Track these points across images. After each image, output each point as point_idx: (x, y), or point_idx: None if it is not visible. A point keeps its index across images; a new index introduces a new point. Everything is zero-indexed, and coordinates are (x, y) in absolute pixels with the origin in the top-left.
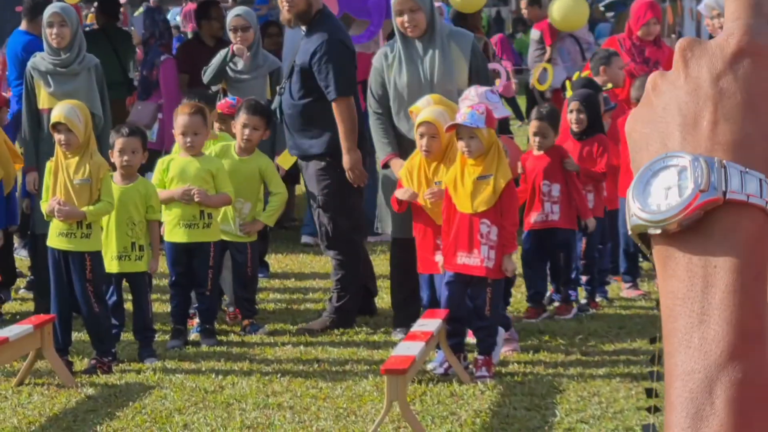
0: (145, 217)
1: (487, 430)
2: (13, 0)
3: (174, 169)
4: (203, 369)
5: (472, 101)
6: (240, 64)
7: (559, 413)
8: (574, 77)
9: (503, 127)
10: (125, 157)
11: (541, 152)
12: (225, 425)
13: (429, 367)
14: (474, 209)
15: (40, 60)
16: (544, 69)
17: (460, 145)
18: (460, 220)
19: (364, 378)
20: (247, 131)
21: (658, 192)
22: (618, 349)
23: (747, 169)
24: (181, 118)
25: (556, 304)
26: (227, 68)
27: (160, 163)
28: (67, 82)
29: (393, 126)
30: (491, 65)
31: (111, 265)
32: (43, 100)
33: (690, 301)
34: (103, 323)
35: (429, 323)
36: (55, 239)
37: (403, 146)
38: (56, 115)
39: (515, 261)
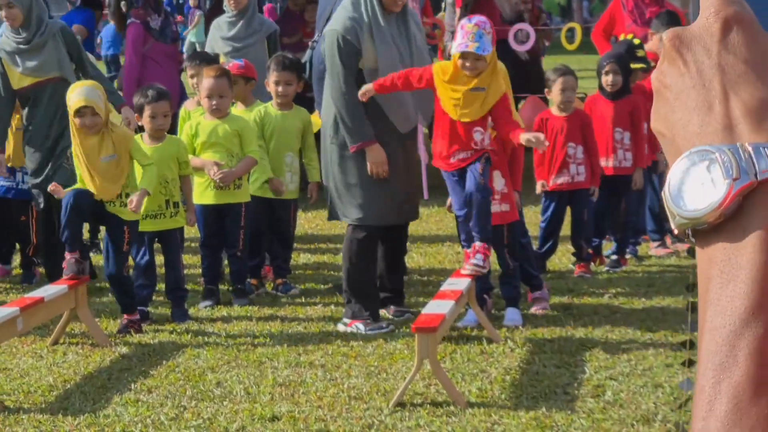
0: (179, 173)
1: (516, 387)
2: None
3: (203, 133)
4: (235, 328)
5: (471, 25)
6: (233, 30)
7: (588, 370)
8: (620, 37)
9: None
10: (158, 122)
11: (564, 114)
12: (257, 383)
13: (460, 324)
14: (458, 117)
15: (5, 40)
16: (571, 28)
17: (467, 66)
18: (452, 123)
19: (394, 336)
20: (280, 88)
21: (694, 190)
22: (647, 307)
23: None
24: (206, 81)
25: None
26: (220, 38)
27: (188, 127)
28: (34, 57)
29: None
30: (519, 25)
31: (144, 224)
32: (16, 81)
33: (722, 263)
34: (129, 283)
35: (458, 282)
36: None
37: (377, 120)
38: (78, 101)
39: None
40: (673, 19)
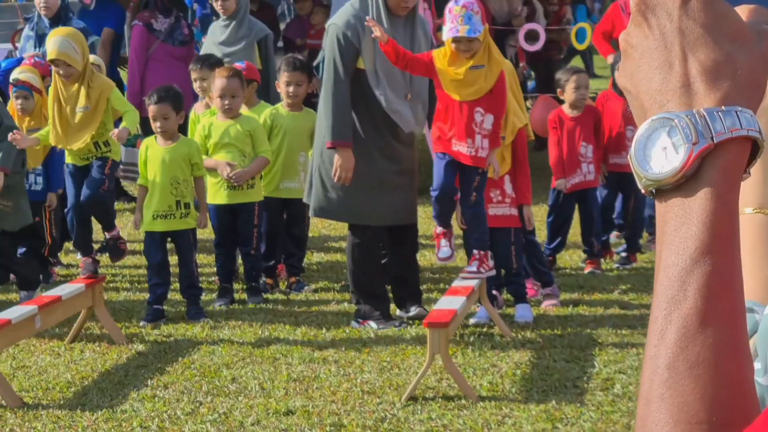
0: (191, 174)
1: (527, 381)
2: None
3: (215, 134)
4: (250, 326)
5: (459, 8)
6: (224, 35)
7: (598, 364)
8: None
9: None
10: (158, 124)
11: (576, 113)
12: (272, 378)
13: (471, 321)
14: (463, 98)
15: None
16: (583, 28)
17: (461, 49)
18: (453, 109)
19: (406, 333)
20: (291, 88)
21: (657, 154)
22: None
23: (723, 108)
24: (218, 81)
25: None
26: (212, 43)
27: (201, 128)
28: None
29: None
30: (529, 25)
31: (155, 224)
32: None
33: (678, 210)
34: (109, 204)
35: (470, 279)
36: (80, 161)
37: (378, 120)
38: (51, 52)
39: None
40: None
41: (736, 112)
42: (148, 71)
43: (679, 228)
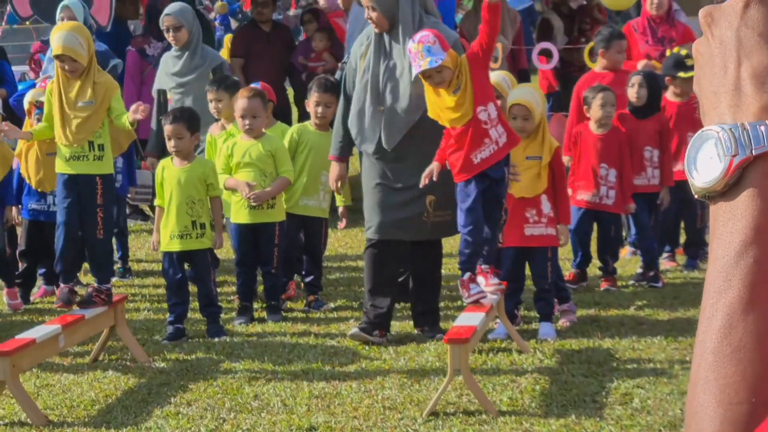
0: (207, 194)
1: (546, 396)
2: None
3: (237, 153)
4: (270, 344)
5: (416, 45)
6: (177, 66)
7: (616, 379)
8: (667, 53)
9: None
10: (172, 143)
11: (601, 132)
12: (294, 395)
13: (490, 336)
14: (466, 119)
15: None
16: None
17: (435, 83)
18: (457, 132)
19: (426, 349)
20: (320, 109)
21: (705, 163)
22: (672, 318)
23: (766, 122)
24: (240, 102)
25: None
26: (165, 74)
27: (225, 147)
28: None
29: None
30: (543, 44)
31: (172, 244)
32: None
33: (725, 209)
34: (106, 251)
35: (489, 295)
36: (65, 164)
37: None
38: (56, 47)
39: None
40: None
41: None
42: (142, 96)
43: (725, 224)
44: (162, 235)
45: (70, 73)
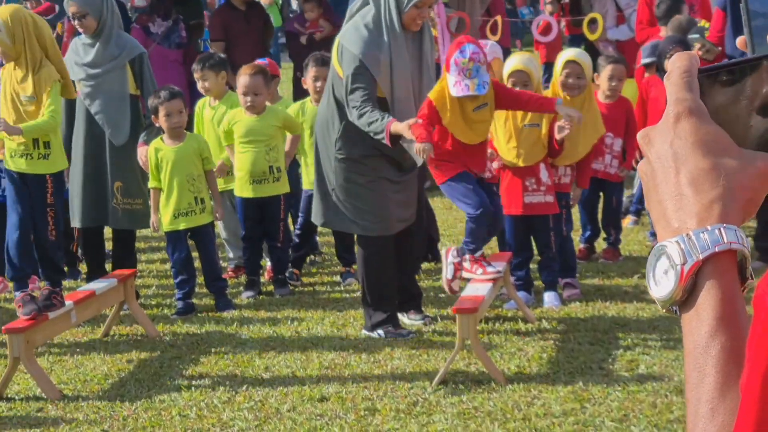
0: (203, 168)
1: (553, 364)
2: None
3: (240, 129)
4: (278, 317)
5: (466, 61)
6: (89, 56)
7: (622, 346)
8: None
9: None
10: (174, 119)
11: (608, 101)
12: (304, 366)
13: (506, 306)
14: (478, 140)
15: None
16: (594, 19)
17: (469, 100)
18: (464, 149)
19: (433, 320)
20: (318, 83)
21: (662, 278)
22: None
23: (707, 228)
24: (242, 79)
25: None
26: (74, 63)
27: (227, 122)
28: None
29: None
30: (544, 17)
31: (177, 222)
32: None
33: (689, 314)
34: (58, 251)
35: (495, 265)
36: (10, 160)
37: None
38: None
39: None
40: (675, 5)
41: (720, 229)
42: None
43: (691, 322)
44: (165, 215)
45: (4, 58)
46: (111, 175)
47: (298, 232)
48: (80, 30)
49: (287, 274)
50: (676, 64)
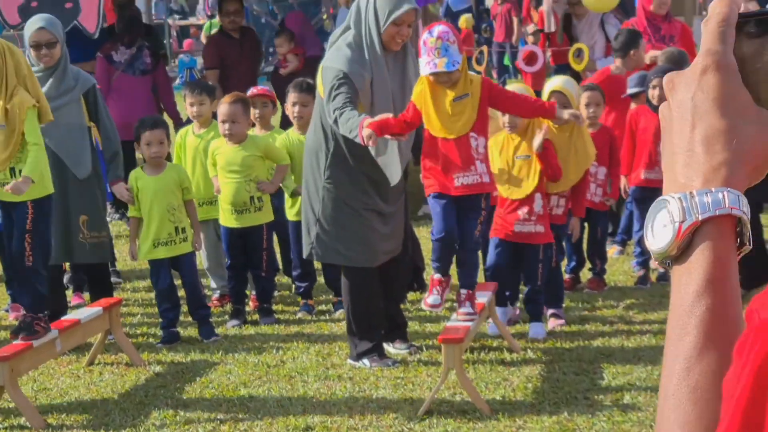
0: (183, 198)
1: (538, 394)
2: None
3: (221, 159)
4: (264, 346)
5: (434, 39)
6: (43, 88)
7: (607, 377)
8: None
9: None
10: (154, 149)
11: (591, 130)
12: (289, 396)
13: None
14: (456, 134)
15: None
16: (579, 48)
17: (435, 79)
18: (446, 146)
19: (418, 349)
20: (297, 108)
21: (659, 231)
22: (662, 317)
23: (711, 189)
24: (222, 107)
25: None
26: None
27: (211, 154)
28: None
29: None
30: (529, 47)
31: (158, 252)
32: None
33: (680, 270)
34: (35, 279)
35: (481, 296)
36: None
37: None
38: None
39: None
40: (634, 38)
41: (723, 192)
42: (109, 102)
43: (680, 279)
44: (143, 244)
45: None
46: (75, 210)
47: (296, 263)
48: (42, 61)
49: (303, 308)
50: (716, 9)
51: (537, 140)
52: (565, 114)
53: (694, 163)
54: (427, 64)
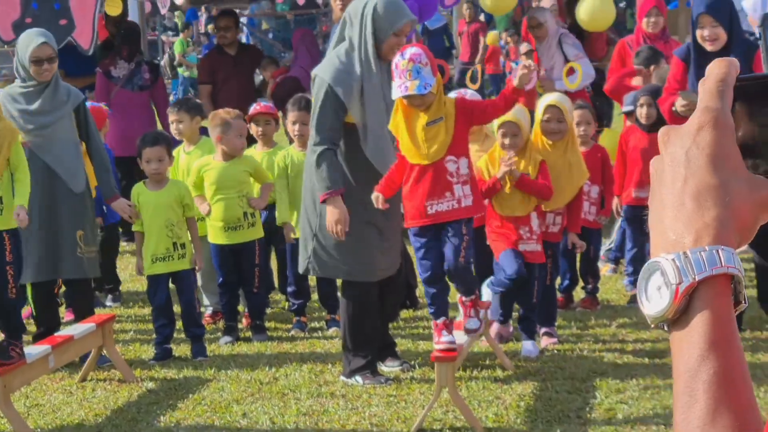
0: (183, 215)
1: (531, 412)
2: None
3: (211, 176)
4: (256, 363)
5: (405, 62)
6: (35, 103)
7: (599, 395)
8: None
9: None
10: (153, 166)
11: (583, 149)
12: (282, 413)
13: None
14: (430, 160)
15: None
16: (573, 68)
17: (408, 102)
18: (421, 172)
19: (411, 367)
20: (297, 127)
21: (654, 294)
22: (654, 336)
23: (705, 248)
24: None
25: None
26: (18, 112)
27: (197, 171)
28: None
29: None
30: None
31: (155, 267)
32: None
33: (680, 335)
34: (16, 309)
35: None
36: None
37: (371, 172)
38: None
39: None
40: (655, 55)
41: (716, 250)
42: (110, 116)
43: (681, 344)
44: (144, 258)
45: None
46: (71, 225)
47: (291, 279)
48: (42, 77)
49: (296, 325)
50: (713, 70)
51: (499, 174)
52: (519, 73)
53: (684, 217)
54: (399, 87)
